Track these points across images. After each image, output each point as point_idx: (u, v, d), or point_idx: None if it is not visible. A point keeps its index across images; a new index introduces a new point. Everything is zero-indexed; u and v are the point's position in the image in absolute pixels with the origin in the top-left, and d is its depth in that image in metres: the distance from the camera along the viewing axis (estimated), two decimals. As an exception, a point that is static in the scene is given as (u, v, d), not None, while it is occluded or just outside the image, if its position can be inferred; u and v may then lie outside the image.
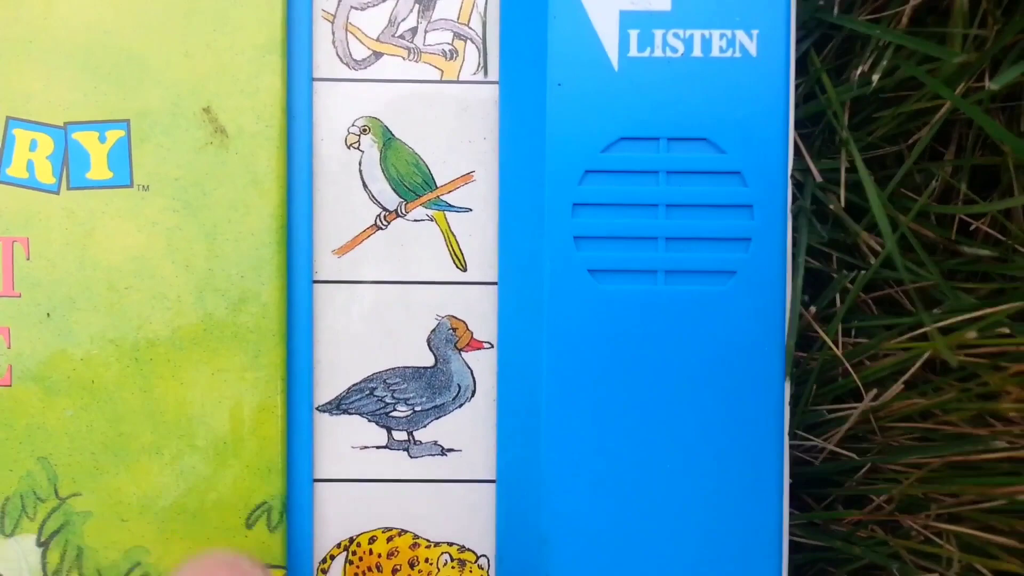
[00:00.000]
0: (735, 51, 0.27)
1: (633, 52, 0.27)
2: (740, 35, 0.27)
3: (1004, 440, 0.24)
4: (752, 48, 0.27)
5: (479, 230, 0.29)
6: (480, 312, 0.29)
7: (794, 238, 0.28)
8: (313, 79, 0.28)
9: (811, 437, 0.29)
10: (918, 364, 0.27)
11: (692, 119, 0.27)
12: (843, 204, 0.29)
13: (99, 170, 0.28)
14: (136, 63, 0.27)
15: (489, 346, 0.29)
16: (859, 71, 0.27)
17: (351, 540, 0.28)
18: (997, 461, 0.25)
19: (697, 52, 0.27)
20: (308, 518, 0.28)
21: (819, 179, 0.28)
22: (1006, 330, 0.25)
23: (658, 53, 0.27)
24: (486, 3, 0.28)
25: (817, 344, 0.29)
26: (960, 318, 0.27)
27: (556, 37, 0.27)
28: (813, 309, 0.29)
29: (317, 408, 0.28)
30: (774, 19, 0.27)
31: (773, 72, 0.27)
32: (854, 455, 0.28)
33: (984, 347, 0.27)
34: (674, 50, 0.27)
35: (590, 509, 0.27)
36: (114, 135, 0.28)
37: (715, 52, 0.27)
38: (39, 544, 0.27)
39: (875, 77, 0.27)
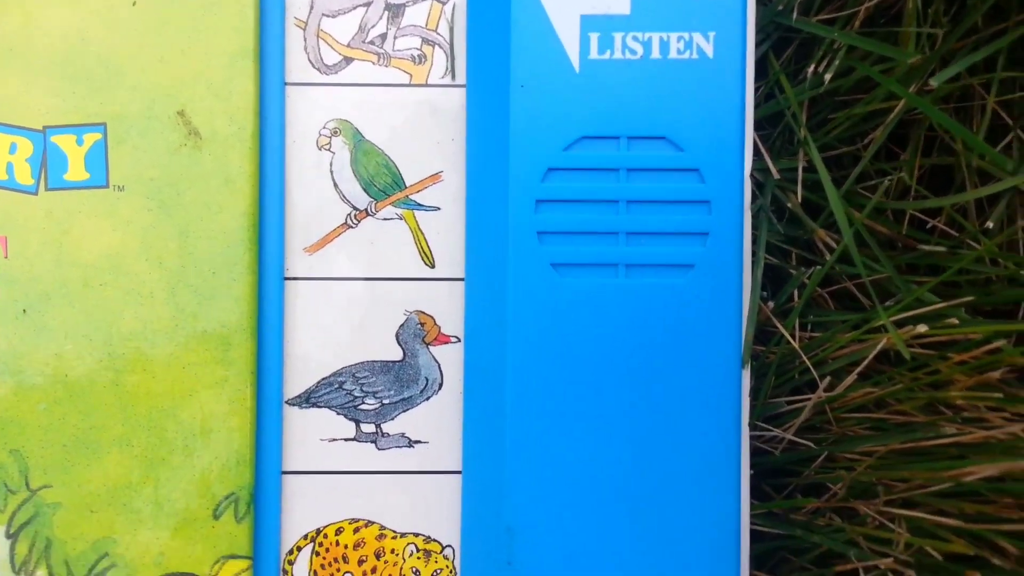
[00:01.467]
0: (692, 53, 0.28)
1: (594, 54, 0.28)
2: (697, 37, 0.28)
3: (952, 427, 0.25)
4: (709, 50, 0.28)
5: (447, 228, 0.29)
6: (448, 307, 0.29)
7: (754, 235, 0.29)
8: (286, 83, 0.29)
9: (770, 427, 0.29)
10: (871, 356, 0.27)
11: (651, 118, 0.28)
12: (800, 202, 0.30)
13: (76, 171, 0.28)
14: (112, 68, 0.28)
15: (456, 340, 0.29)
16: (811, 69, 0.28)
17: (318, 531, 0.29)
18: (946, 446, 0.25)
19: (656, 54, 0.28)
20: (276, 509, 0.28)
21: (777, 176, 0.29)
22: (955, 321, 0.26)
23: (618, 55, 0.28)
24: (453, 10, 0.30)
25: (776, 338, 0.30)
26: (912, 312, 0.28)
27: (519, 41, 0.28)
28: (771, 304, 0.30)
29: (287, 401, 0.29)
30: (730, 22, 0.28)
31: (729, 73, 0.28)
32: (811, 444, 0.28)
33: (935, 337, 0.28)
34: (633, 52, 0.28)
35: (553, 499, 0.27)
36: (91, 138, 0.29)
37: (673, 54, 0.28)
38: (8, 536, 0.28)
39: (827, 76, 0.28)
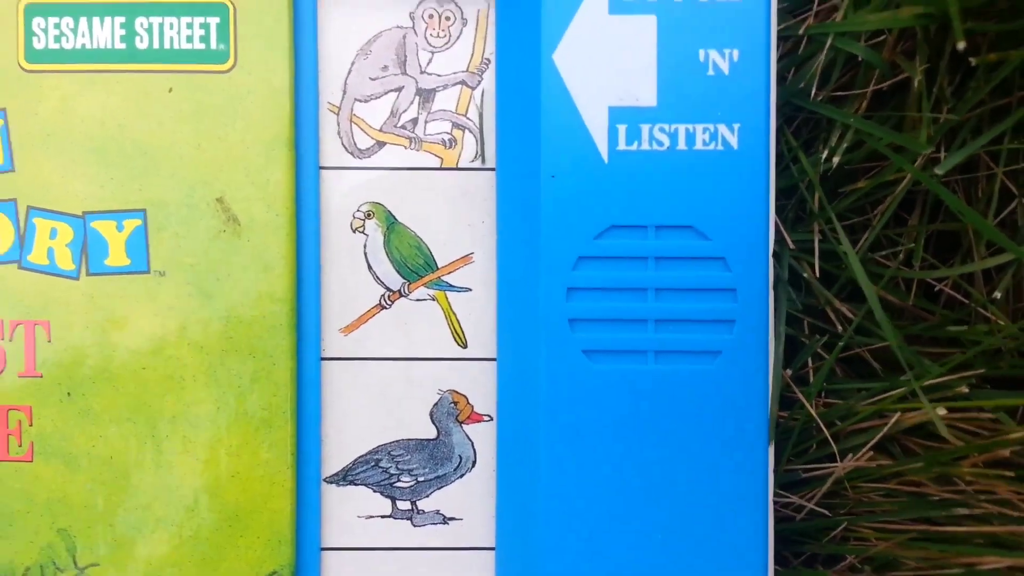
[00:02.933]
0: (718, 144, 0.28)
1: (622, 145, 0.28)
2: (722, 129, 0.28)
3: (963, 510, 0.26)
4: (734, 141, 0.28)
5: (478, 309, 0.30)
6: (480, 386, 0.30)
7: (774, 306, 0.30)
8: (320, 167, 0.30)
9: (790, 495, 0.30)
10: (885, 430, 0.28)
11: (678, 208, 0.28)
12: (816, 274, 0.31)
13: (117, 257, 0.29)
14: (150, 155, 0.29)
15: (489, 419, 0.30)
16: (824, 152, 0.29)
17: (358, 608, 0.30)
18: (957, 523, 0.27)
19: (682, 145, 0.28)
20: (317, 587, 0.29)
21: (792, 247, 0.30)
22: (965, 389, 0.27)
23: (645, 146, 0.28)
24: (483, 95, 0.30)
25: (797, 405, 0.31)
26: (933, 381, 0.29)
27: (548, 130, 0.28)
28: (788, 371, 0.31)
29: (325, 479, 0.30)
30: (755, 114, 0.28)
31: (754, 164, 0.28)
32: (828, 513, 0.29)
33: (960, 414, 0.29)
34: (660, 143, 0.28)
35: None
36: (131, 224, 0.29)
37: (699, 145, 0.28)
38: (61, 615, 0.29)
39: (835, 160, 0.29)
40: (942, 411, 0.27)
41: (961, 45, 0.26)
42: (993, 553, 0.25)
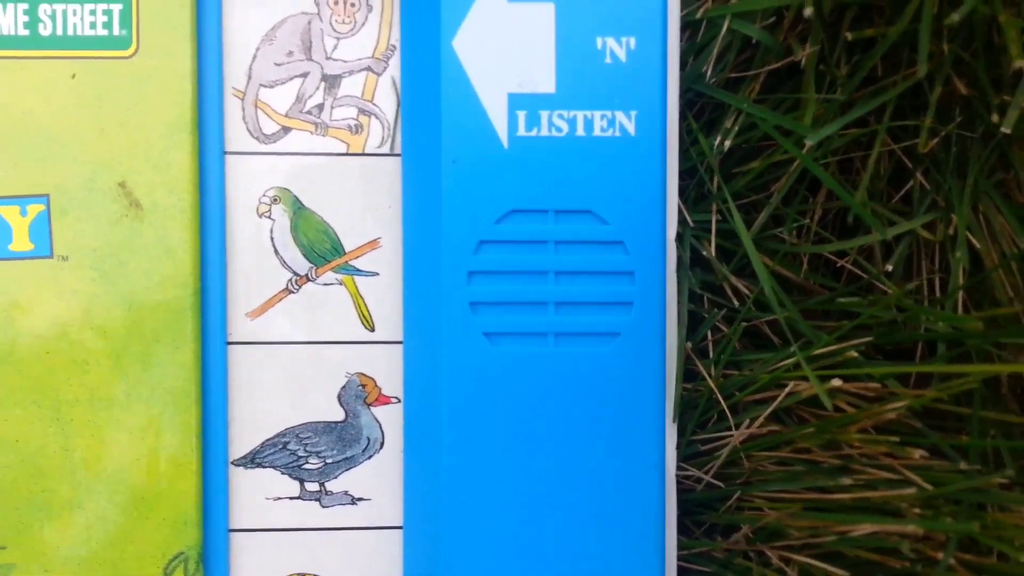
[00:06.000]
0: (615, 130, 0.29)
1: (521, 131, 0.29)
2: (620, 116, 0.29)
3: (848, 478, 0.27)
4: (631, 128, 0.29)
5: (386, 292, 0.31)
6: (387, 369, 0.31)
7: (677, 287, 0.30)
8: (225, 152, 0.30)
9: (689, 468, 0.31)
10: (780, 399, 0.29)
11: (577, 193, 0.29)
12: (713, 252, 0.31)
13: (21, 242, 0.29)
14: (54, 140, 0.29)
15: (397, 401, 0.31)
16: (719, 138, 0.30)
17: (264, 588, 0.30)
18: (845, 491, 0.28)
19: (580, 131, 0.29)
20: (224, 567, 0.30)
21: (692, 226, 0.31)
22: (854, 354, 0.28)
23: (544, 132, 0.29)
24: (392, 82, 0.30)
25: (699, 378, 0.32)
26: (822, 350, 0.30)
27: (449, 116, 0.29)
28: (689, 344, 0.31)
29: (232, 462, 0.30)
30: (651, 101, 0.29)
31: (651, 150, 0.29)
32: (722, 485, 0.30)
33: (851, 385, 0.30)
34: (559, 129, 0.29)
35: (486, 555, 0.29)
36: (35, 209, 0.29)
37: (597, 131, 0.29)
38: (-35, 598, 0.29)
39: (727, 144, 0.30)
40: (837, 381, 0.28)
41: (808, 11, 0.27)
42: (865, 520, 0.26)
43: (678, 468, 0.31)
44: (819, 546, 0.29)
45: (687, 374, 0.32)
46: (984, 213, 0.32)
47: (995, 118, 0.29)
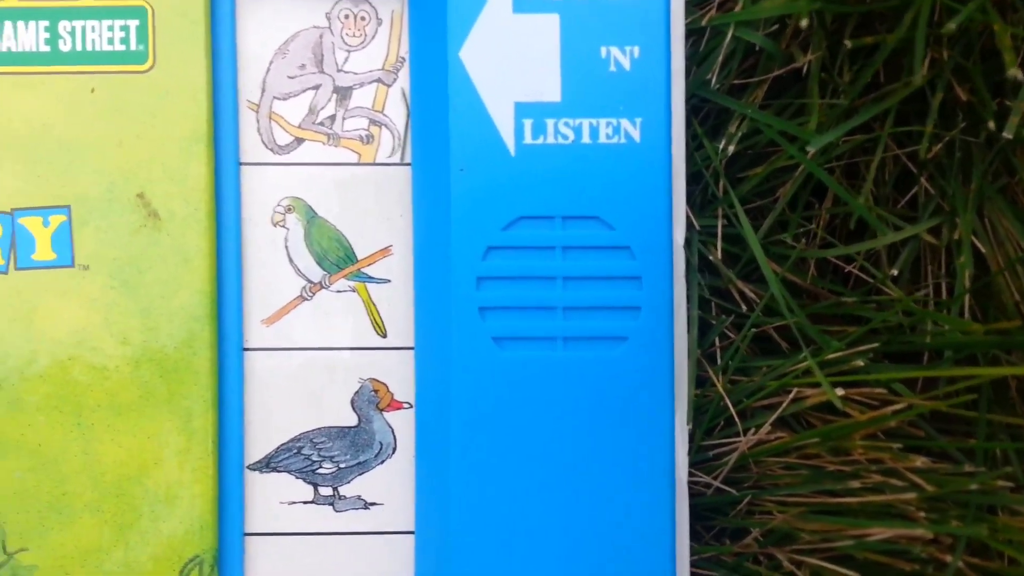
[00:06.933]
0: (620, 137, 0.29)
1: (528, 139, 0.29)
2: (625, 123, 0.29)
3: (857, 482, 0.28)
4: (636, 135, 0.29)
5: (397, 299, 0.31)
6: (400, 375, 0.31)
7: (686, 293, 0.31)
8: (240, 163, 0.31)
9: (698, 473, 0.31)
10: (784, 406, 0.30)
11: (584, 199, 0.29)
12: (720, 255, 0.32)
13: (43, 252, 0.30)
14: (75, 154, 0.30)
15: (408, 406, 0.31)
16: (723, 143, 0.30)
17: (279, 590, 0.31)
18: (852, 494, 0.28)
19: (586, 139, 0.29)
20: (239, 570, 0.30)
21: (698, 230, 0.31)
22: (860, 363, 0.28)
23: (551, 140, 0.29)
24: (402, 93, 0.31)
25: (708, 383, 0.32)
26: (831, 356, 0.30)
27: (457, 125, 0.29)
28: (698, 351, 0.32)
29: (248, 467, 0.31)
30: (655, 108, 0.29)
31: (656, 156, 0.29)
32: (734, 491, 0.30)
33: (858, 389, 0.30)
34: (565, 137, 0.29)
35: (496, 559, 0.29)
36: (56, 219, 0.30)
37: (602, 139, 0.29)
38: (-12, 600, 0.30)
39: (731, 148, 0.30)
40: (840, 391, 0.28)
41: (804, 23, 0.27)
42: (879, 524, 0.26)
43: (691, 473, 0.32)
44: (828, 549, 0.29)
45: (698, 381, 0.32)
46: (989, 217, 0.32)
47: (991, 125, 0.29)
